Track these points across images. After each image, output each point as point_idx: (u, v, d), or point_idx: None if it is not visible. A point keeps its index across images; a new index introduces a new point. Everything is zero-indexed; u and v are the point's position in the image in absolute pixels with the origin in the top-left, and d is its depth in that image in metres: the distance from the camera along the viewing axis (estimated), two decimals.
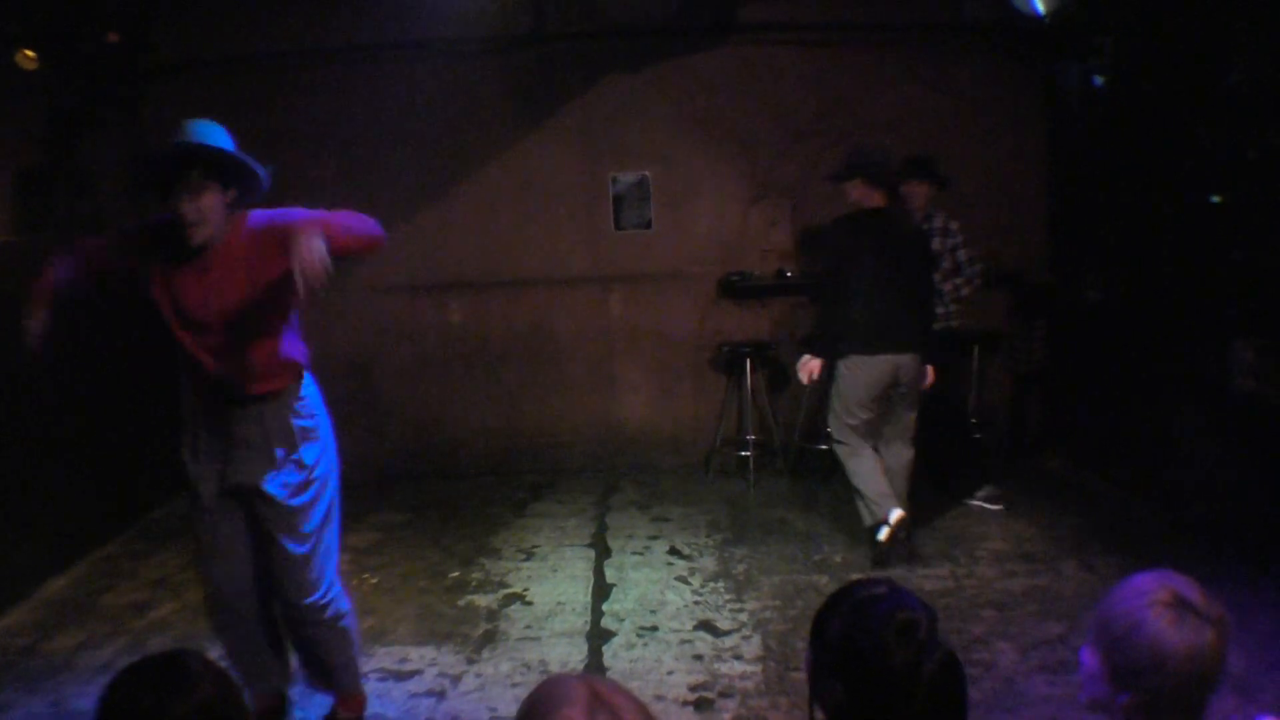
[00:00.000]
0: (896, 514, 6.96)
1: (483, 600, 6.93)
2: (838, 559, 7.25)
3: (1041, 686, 5.28)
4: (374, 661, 5.96)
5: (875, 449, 7.18)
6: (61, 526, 7.76)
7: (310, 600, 4.84)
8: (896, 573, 6.79)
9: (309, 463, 4.76)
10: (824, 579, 6.81)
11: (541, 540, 8.02)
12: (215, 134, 4.46)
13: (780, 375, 9.54)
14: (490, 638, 6.34)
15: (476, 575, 7.39)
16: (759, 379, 9.31)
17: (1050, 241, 9.38)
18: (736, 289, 9.43)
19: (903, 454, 7.25)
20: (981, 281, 8.23)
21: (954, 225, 8.13)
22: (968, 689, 2.34)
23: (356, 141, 9.49)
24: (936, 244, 8.02)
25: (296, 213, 4.47)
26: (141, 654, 2.45)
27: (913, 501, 7.43)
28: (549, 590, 7.03)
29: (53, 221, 8.49)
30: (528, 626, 6.47)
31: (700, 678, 5.67)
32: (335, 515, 4.96)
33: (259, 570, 4.90)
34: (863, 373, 7.01)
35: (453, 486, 9.46)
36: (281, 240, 4.25)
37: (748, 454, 9.19)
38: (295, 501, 4.72)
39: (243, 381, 4.65)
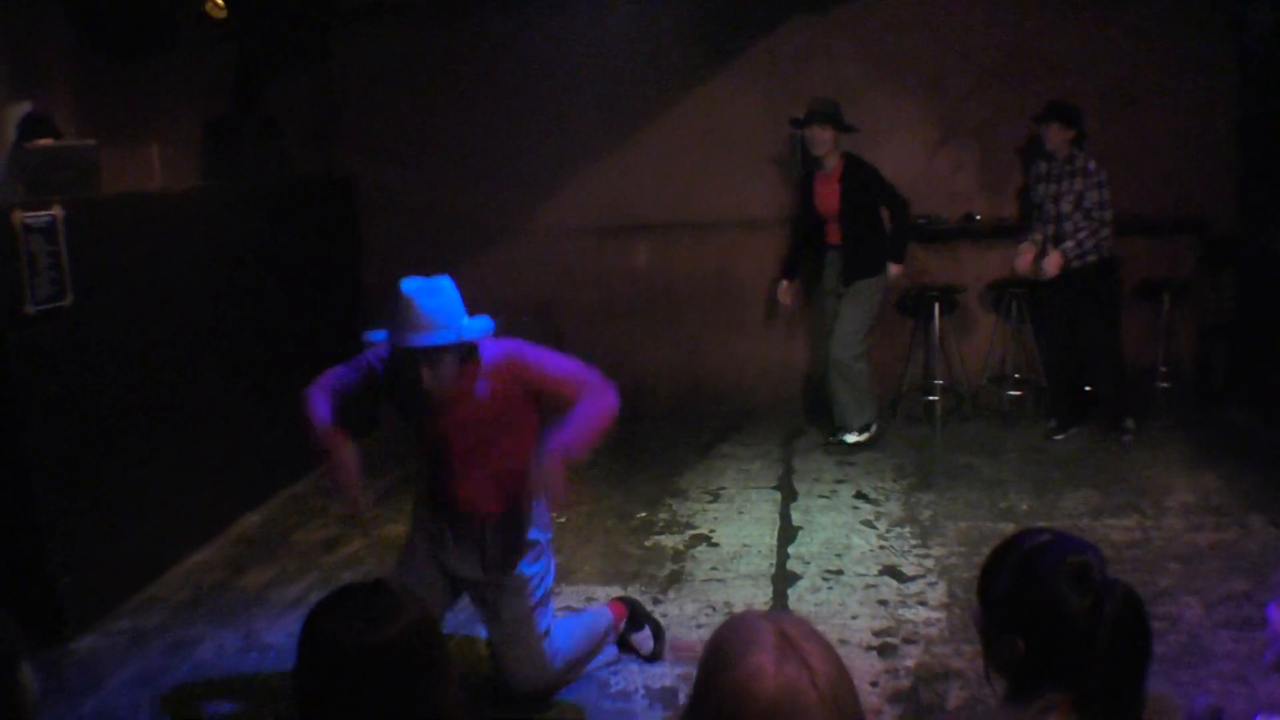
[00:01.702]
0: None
1: (669, 541, 7.06)
2: (1024, 506, 7.23)
3: (1226, 643, 5.24)
4: (560, 599, 6.03)
5: None
6: (254, 465, 8.03)
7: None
8: (1083, 522, 6.78)
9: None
10: (1010, 526, 6.69)
11: (727, 482, 8.13)
12: (445, 307, 4.53)
13: (968, 319, 9.50)
14: (676, 578, 6.48)
15: (663, 516, 7.53)
16: (946, 323, 9.25)
17: (1240, 189, 9.12)
18: (923, 232, 9.36)
19: None
20: (1108, 230, 8.21)
21: (1092, 165, 8.19)
22: (1150, 625, 2.31)
23: (540, 85, 9.66)
24: (1079, 184, 8.22)
25: (531, 352, 4.83)
26: (331, 589, 2.55)
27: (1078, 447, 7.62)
28: (735, 532, 7.14)
29: (241, 167, 8.77)
30: (713, 568, 6.59)
31: (884, 623, 5.74)
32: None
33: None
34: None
35: (637, 428, 9.51)
36: (523, 384, 4.74)
37: (934, 399, 9.16)
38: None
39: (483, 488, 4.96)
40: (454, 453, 4.84)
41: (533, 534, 5.00)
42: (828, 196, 8.55)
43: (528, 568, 4.98)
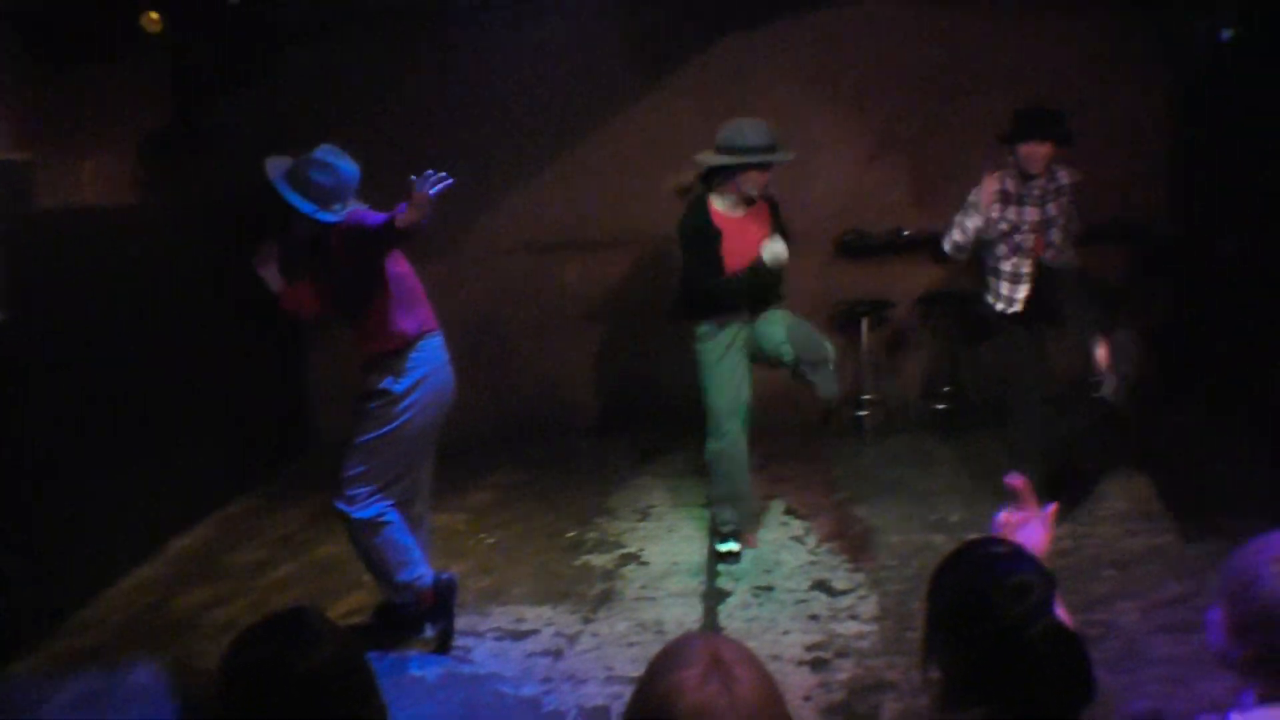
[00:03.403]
0: None
1: (599, 560, 7.01)
2: (954, 518, 7.21)
3: (1163, 646, 5.24)
4: (491, 621, 6.10)
5: None
6: (188, 486, 7.91)
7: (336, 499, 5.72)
8: None
9: (374, 404, 5.69)
10: (941, 538, 6.72)
11: (657, 500, 8.06)
12: (324, 183, 5.63)
13: (898, 334, 9.48)
14: (606, 597, 6.43)
15: (593, 535, 7.46)
16: (876, 338, 9.24)
17: (1179, 194, 9.14)
18: (853, 247, 9.35)
19: None
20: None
21: (1072, 177, 7.04)
22: (1088, 661, 2.30)
23: (477, 100, 9.58)
24: (1057, 204, 6.96)
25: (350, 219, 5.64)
26: (264, 612, 2.54)
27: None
28: (664, 550, 7.09)
29: (177, 184, 8.62)
30: (643, 586, 6.54)
31: (816, 638, 5.71)
32: (377, 454, 5.66)
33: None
34: None
35: (571, 445, 9.50)
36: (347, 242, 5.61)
37: (864, 414, 9.13)
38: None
39: (357, 342, 5.80)
40: (329, 302, 5.86)
41: (384, 383, 5.66)
42: (753, 238, 6.99)
43: (368, 405, 5.68)
